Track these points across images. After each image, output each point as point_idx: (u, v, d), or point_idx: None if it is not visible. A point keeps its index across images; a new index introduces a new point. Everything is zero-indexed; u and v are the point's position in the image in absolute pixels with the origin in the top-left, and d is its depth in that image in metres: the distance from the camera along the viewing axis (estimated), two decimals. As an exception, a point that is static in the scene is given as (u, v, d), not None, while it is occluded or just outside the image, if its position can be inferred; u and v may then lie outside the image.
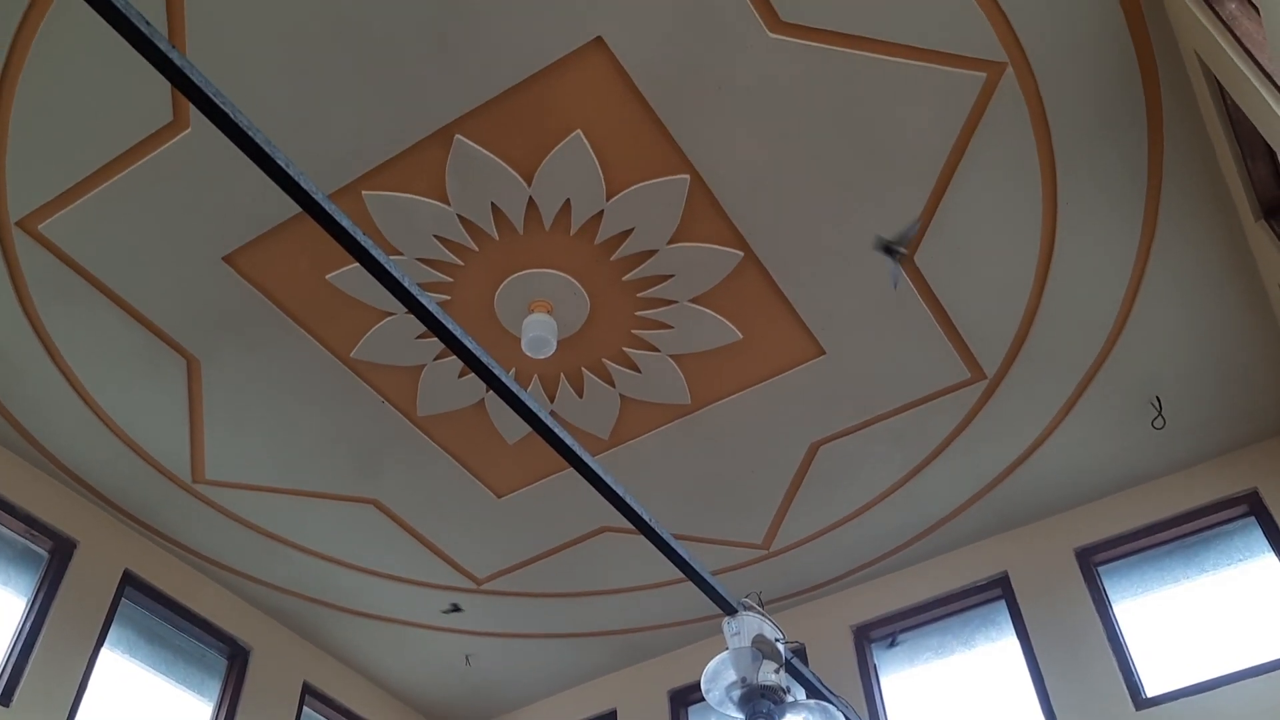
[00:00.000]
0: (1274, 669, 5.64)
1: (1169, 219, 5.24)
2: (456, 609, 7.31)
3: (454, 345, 2.89)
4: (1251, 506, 6.27)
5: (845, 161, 4.98)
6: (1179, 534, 6.45)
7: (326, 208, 2.54)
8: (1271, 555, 6.07)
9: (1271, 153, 4.52)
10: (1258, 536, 6.19)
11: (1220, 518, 6.37)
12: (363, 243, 2.60)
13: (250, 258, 5.30)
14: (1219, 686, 5.73)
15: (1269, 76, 3.69)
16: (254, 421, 6.11)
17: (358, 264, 2.64)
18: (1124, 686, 6.01)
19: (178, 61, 2.25)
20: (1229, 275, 5.49)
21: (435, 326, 2.83)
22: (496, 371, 2.95)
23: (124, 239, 5.19)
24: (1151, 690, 5.97)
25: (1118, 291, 5.58)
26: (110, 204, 5.02)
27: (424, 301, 2.76)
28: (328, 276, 5.36)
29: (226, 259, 5.30)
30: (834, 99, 4.74)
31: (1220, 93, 4.38)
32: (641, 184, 5.03)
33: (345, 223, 2.57)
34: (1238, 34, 3.85)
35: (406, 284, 2.70)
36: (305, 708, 7.44)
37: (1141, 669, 6.08)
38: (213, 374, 5.84)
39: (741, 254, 5.35)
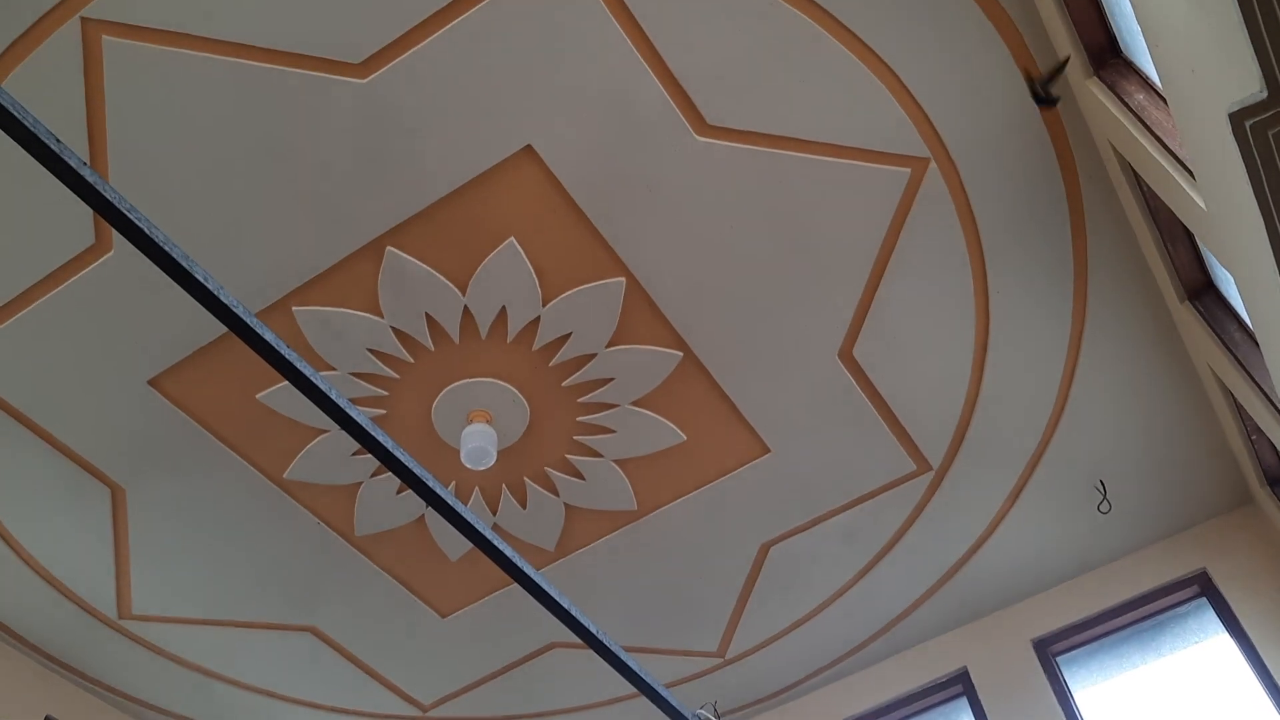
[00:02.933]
0: (1239, 753, 5.56)
1: (1098, 306, 5.33)
2: None
3: (389, 461, 2.79)
4: (1202, 587, 6.27)
5: (778, 261, 5.01)
6: (1134, 618, 6.41)
7: (249, 322, 2.45)
8: (1225, 635, 6.05)
9: (1190, 236, 4.64)
10: (1210, 617, 6.17)
11: (1172, 600, 6.35)
12: (289, 358, 2.52)
13: (177, 380, 5.14)
14: (1187, 774, 5.63)
15: (1181, 162, 3.81)
16: (183, 550, 5.85)
17: (287, 382, 2.55)
18: (1092, 780, 5.87)
19: (89, 178, 2.18)
20: (1160, 358, 5.58)
21: (369, 442, 2.73)
22: (434, 486, 2.85)
23: (44, 367, 5.01)
24: (1120, 782, 5.84)
25: (1053, 378, 5.64)
26: (29, 331, 4.86)
27: (356, 417, 2.66)
28: (258, 396, 5.21)
29: (152, 382, 5.13)
30: (764, 199, 4.80)
31: (1137, 180, 4.50)
32: (577, 288, 5.01)
33: (270, 337, 2.49)
34: (1148, 123, 3.98)
35: (336, 399, 2.61)
36: None
37: (1108, 760, 5.97)
38: (138, 502, 5.60)
39: (681, 354, 5.32)
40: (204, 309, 2.40)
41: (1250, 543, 6.18)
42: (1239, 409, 5.33)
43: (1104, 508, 6.18)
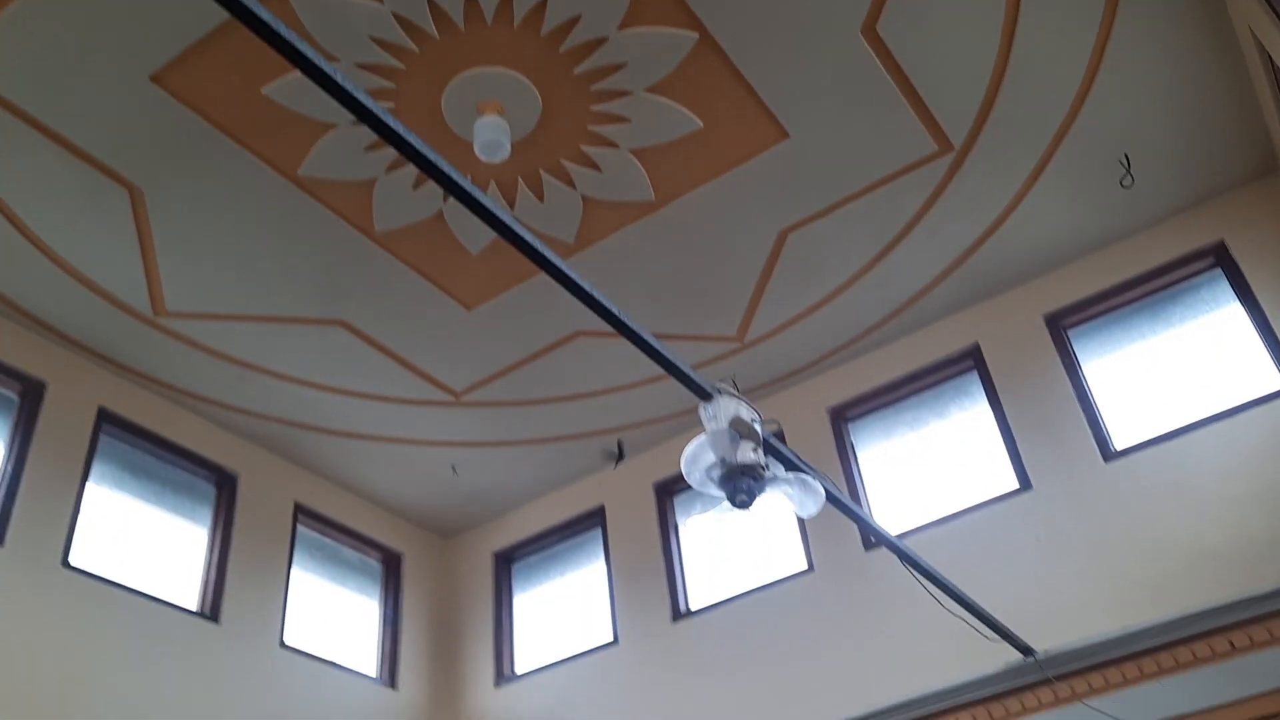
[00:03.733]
0: (1237, 413, 5.81)
1: (1139, -36, 5.01)
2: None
3: (405, 149, 2.75)
4: (1218, 258, 6.31)
5: (799, -76, 4.69)
6: (1146, 291, 6.52)
7: (252, 8, 2.33)
8: (1237, 305, 6.16)
9: (1247, -119, 4.27)
10: (1224, 288, 6.26)
11: (1187, 272, 6.42)
12: (298, 45, 2.42)
13: (179, 75, 5.01)
14: (1183, 435, 5.92)
15: None
16: (207, 249, 5.95)
17: (293, 74, 2.48)
18: (1093, 442, 6.19)
19: None
20: (1199, 21, 5.31)
21: (383, 130, 2.68)
22: (452, 174, 2.82)
23: (43, 62, 4.88)
24: (1120, 444, 6.16)
25: (1085, 47, 5.40)
26: (24, 24, 4.69)
27: (369, 105, 2.60)
28: (263, 90, 5.08)
29: (155, 78, 5.01)
30: None
31: None
32: (585, -35, 4.74)
33: (277, 25, 2.37)
34: None
35: (349, 87, 2.54)
36: (299, 526, 7.60)
37: (1110, 424, 6.26)
38: (157, 203, 5.63)
39: (696, 35, 5.10)
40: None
41: (1272, 213, 6.15)
42: (1275, 75, 5.13)
43: (1126, 182, 6.12)
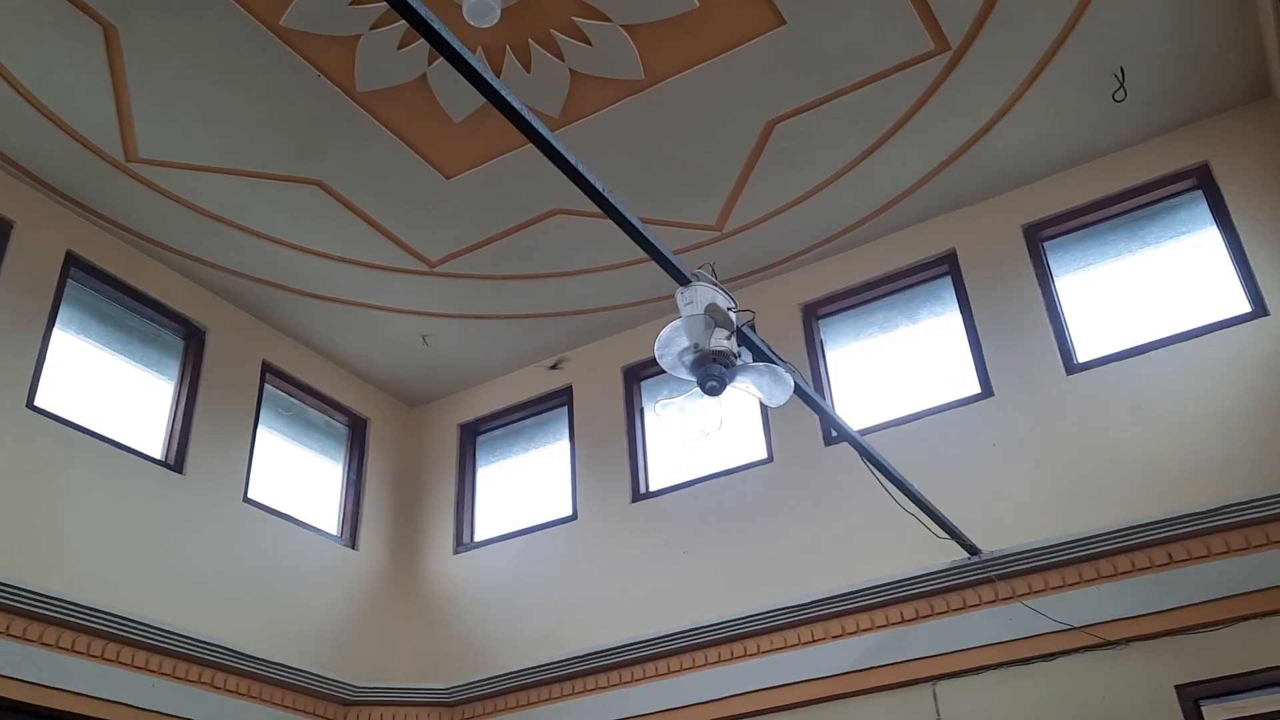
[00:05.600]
0: (1199, 335, 5.91)
1: None
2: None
3: (394, 2, 2.67)
4: (1200, 180, 6.33)
5: None
6: (1126, 209, 6.54)
7: None
8: (1213, 228, 6.20)
9: None
10: (1202, 209, 6.29)
11: (1168, 191, 6.44)
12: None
13: (159, -90, 4.81)
14: (1145, 352, 6.03)
15: None
16: (183, 96, 5.79)
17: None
18: (1057, 353, 6.29)
19: None
20: (1211, -65, 5.22)
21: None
22: (441, 30, 2.75)
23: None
24: (1083, 356, 6.26)
25: (1094, -47, 5.30)
26: None
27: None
28: (247, -69, 4.90)
29: (132, -89, 4.80)
30: None
31: None
32: None
33: None
34: None
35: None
36: (266, 385, 7.62)
37: (1076, 337, 6.36)
38: (132, 43, 5.45)
39: (699, -91, 4.95)
40: None
41: (1259, 139, 6.15)
42: (1281, -3, 5.07)
43: (1119, 95, 6.08)
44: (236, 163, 6.27)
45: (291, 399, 7.88)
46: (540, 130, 3.08)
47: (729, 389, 3.44)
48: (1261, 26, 5.67)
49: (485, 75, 2.90)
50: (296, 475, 7.75)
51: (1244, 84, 6.14)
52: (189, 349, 7.15)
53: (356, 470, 8.17)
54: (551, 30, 5.57)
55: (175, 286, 7.07)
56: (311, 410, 8.04)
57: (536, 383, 8.29)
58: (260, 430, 7.46)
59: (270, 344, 7.70)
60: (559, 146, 3.14)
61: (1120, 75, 5.97)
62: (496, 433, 8.49)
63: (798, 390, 3.86)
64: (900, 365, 6.95)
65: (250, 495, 7.15)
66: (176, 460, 6.73)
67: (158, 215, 6.61)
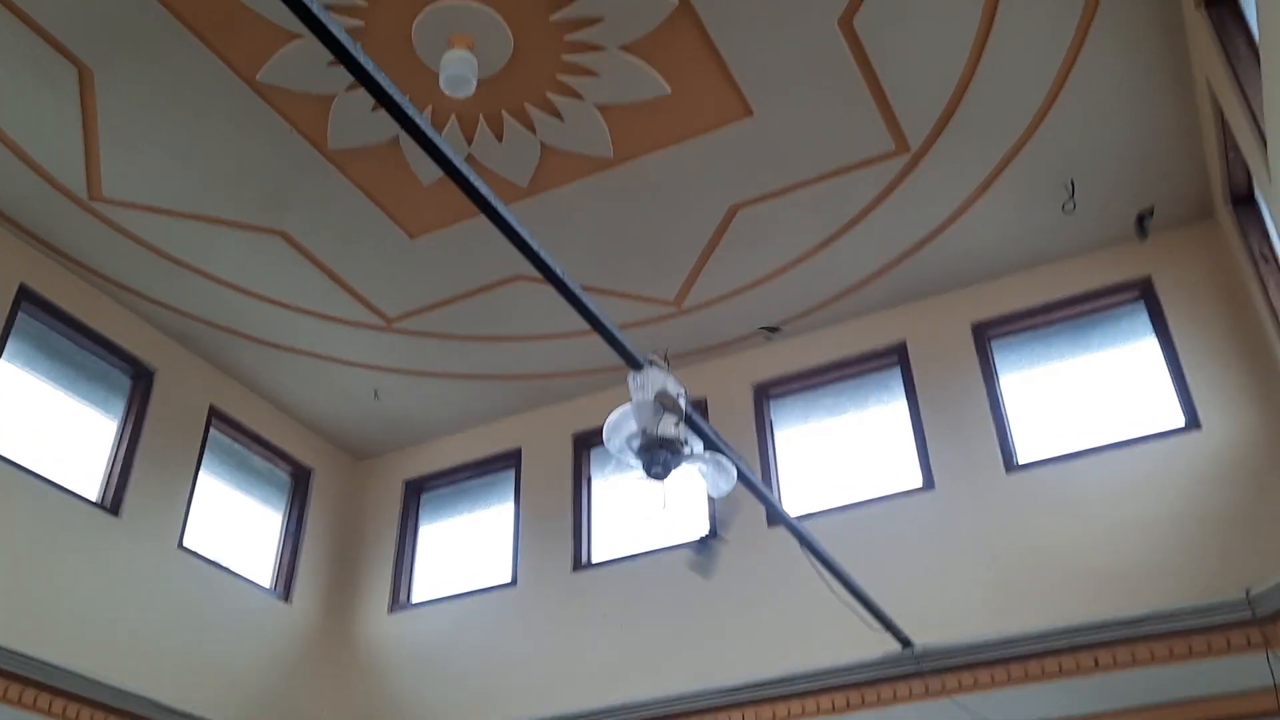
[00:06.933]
0: (1135, 444, 6.07)
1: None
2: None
3: (362, 77, 2.74)
4: (1143, 292, 6.55)
5: (793, -93, 4.70)
6: (1072, 314, 6.74)
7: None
8: (1153, 339, 6.41)
9: (1224, -62, 4.39)
10: (1144, 321, 6.51)
11: (1112, 301, 6.65)
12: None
13: (145, -40, 4.87)
14: (1083, 457, 6.17)
15: None
16: (153, 140, 5.81)
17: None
18: (999, 452, 6.42)
19: None
20: (1160, 62, 5.47)
21: (342, 55, 2.67)
22: (406, 107, 2.82)
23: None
24: (1023, 456, 6.40)
25: (1051, 69, 5.52)
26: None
27: (331, 27, 2.59)
28: (232, -12, 4.97)
29: (119, -41, 4.86)
30: None
31: None
32: (575, -87, 4.69)
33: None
34: None
35: (312, 5, 2.52)
36: (212, 430, 7.54)
37: (1017, 437, 6.50)
38: (106, 85, 5.48)
39: (676, 2, 5.10)
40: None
41: (1200, 257, 6.39)
42: (1224, 125, 5.30)
43: (1069, 207, 6.30)
44: (201, 208, 6.27)
45: (236, 445, 7.80)
46: (498, 208, 3.13)
47: (673, 475, 3.49)
48: (1205, 153, 5.92)
49: (445, 150, 2.94)
50: (235, 523, 7.64)
51: (1188, 205, 6.39)
52: (136, 389, 7.07)
53: (296, 521, 8.08)
54: (526, 104, 5.68)
55: (127, 326, 7.01)
56: (256, 458, 7.95)
57: (485, 443, 8.27)
58: (202, 476, 7.37)
59: (219, 389, 7.63)
60: (517, 226, 3.19)
61: (1071, 187, 6.19)
62: (442, 491, 8.45)
63: (741, 478, 3.91)
64: (847, 451, 7.04)
65: (186, 542, 7.04)
66: (113, 503, 6.62)
67: (116, 254, 6.58)
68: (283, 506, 8.09)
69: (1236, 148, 5.33)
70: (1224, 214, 6.14)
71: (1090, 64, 5.45)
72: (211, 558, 7.21)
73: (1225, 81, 4.80)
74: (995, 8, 5.16)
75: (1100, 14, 5.20)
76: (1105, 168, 6.12)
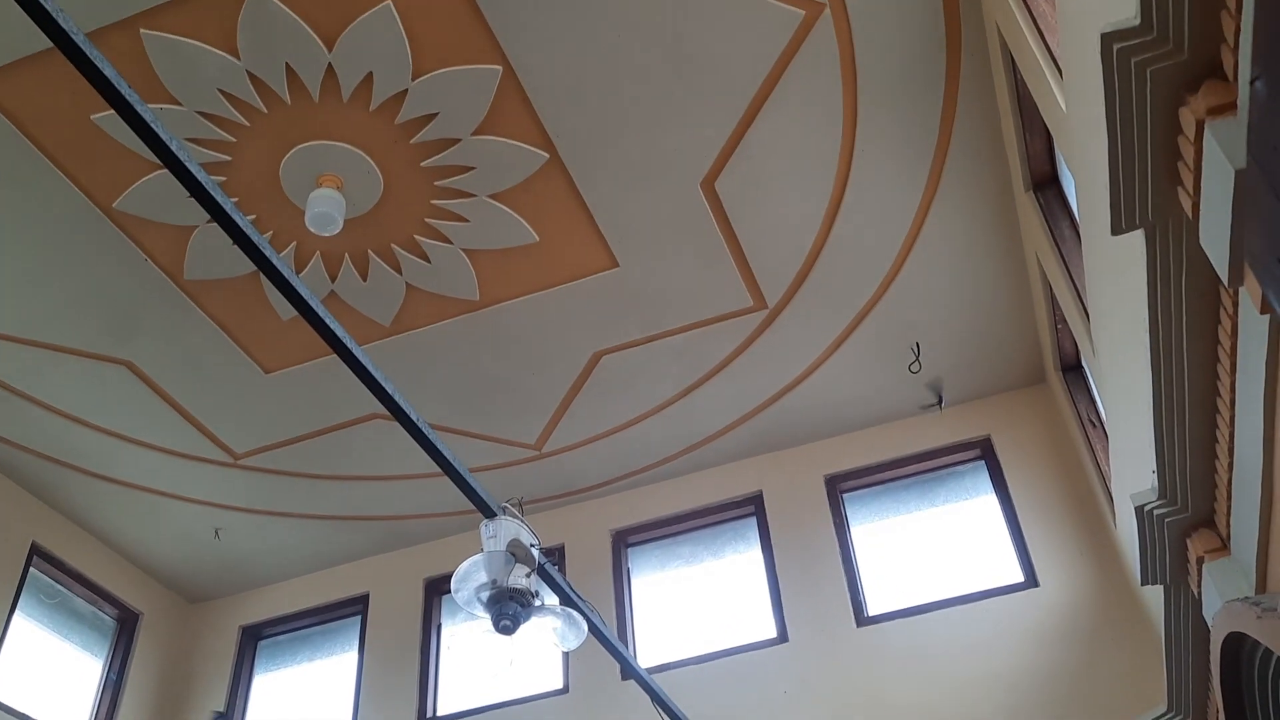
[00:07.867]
0: (977, 599, 6.25)
1: (951, 180, 5.53)
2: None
3: (218, 214, 2.72)
4: (983, 451, 6.86)
5: (660, 78, 4.96)
6: (918, 470, 6.99)
7: (76, 40, 2.29)
8: (993, 496, 6.69)
9: (1048, 132, 4.81)
10: (984, 479, 6.80)
11: (955, 459, 6.94)
12: (116, 84, 2.38)
13: (5, 83, 4.76)
14: (929, 611, 6.30)
15: (1054, 59, 3.91)
16: (-5, 263, 5.58)
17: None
18: (850, 604, 6.51)
19: None
20: (995, 240, 5.89)
21: (198, 192, 2.66)
22: (264, 249, 2.81)
23: None
24: (873, 609, 6.49)
25: (895, 241, 5.88)
26: None
27: (189, 165, 2.57)
28: (92, 117, 4.89)
29: (-25, 80, 4.74)
30: (659, 15, 4.68)
31: (1013, 67, 4.61)
32: (451, 68, 4.83)
33: (104, 67, 2.34)
34: (1033, 12, 4.05)
35: (166, 138, 2.50)
36: (31, 568, 7.01)
37: (868, 589, 6.60)
38: (-51, 205, 5.26)
39: (547, 156, 5.26)
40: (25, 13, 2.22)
41: (1034, 419, 6.76)
42: (1053, 299, 5.71)
43: (915, 368, 6.61)
44: (41, 335, 5.98)
45: (58, 585, 7.26)
46: (354, 351, 3.11)
47: (522, 629, 3.40)
48: (1038, 321, 6.35)
49: (301, 291, 2.93)
50: (50, 672, 7.04)
51: (1023, 370, 6.79)
52: (-51, 523, 6.56)
53: (119, 670, 7.49)
54: (393, 245, 5.69)
55: (-54, 454, 6.55)
56: (79, 599, 7.40)
57: (331, 587, 7.92)
58: (16, 618, 6.80)
59: (43, 524, 7.13)
60: (372, 369, 3.17)
61: (916, 350, 6.52)
62: (281, 638, 8.00)
63: (594, 631, 3.85)
64: (703, 601, 7.02)
65: (-9, 693, 6.44)
66: (-91, 648, 6.04)
67: (-59, 378, 6.19)
68: (105, 654, 7.51)
69: (1064, 320, 5.73)
70: (1055, 380, 6.54)
71: (933, 236, 5.83)
72: (21, 709, 6.59)
73: (1052, 259, 5.19)
74: (846, 180, 5.50)
75: (941, 190, 5.60)
76: (947, 333, 6.48)
